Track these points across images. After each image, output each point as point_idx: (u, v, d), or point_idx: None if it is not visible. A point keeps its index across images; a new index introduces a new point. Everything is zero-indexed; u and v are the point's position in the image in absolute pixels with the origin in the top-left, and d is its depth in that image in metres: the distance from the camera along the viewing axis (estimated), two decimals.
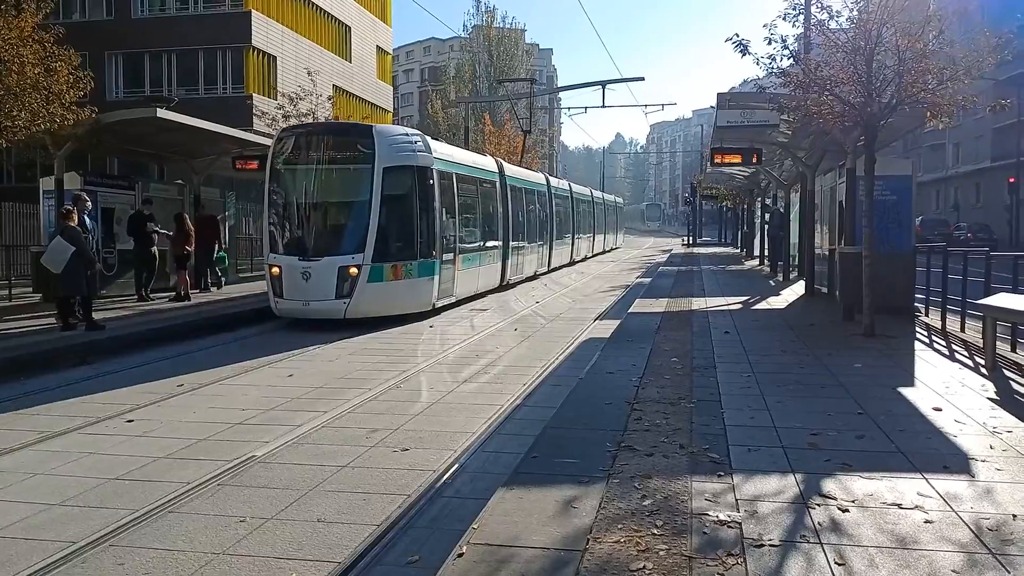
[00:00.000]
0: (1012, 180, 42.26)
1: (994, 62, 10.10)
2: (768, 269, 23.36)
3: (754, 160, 16.53)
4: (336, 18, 41.85)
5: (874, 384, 7.66)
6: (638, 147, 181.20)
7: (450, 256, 15.60)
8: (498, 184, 20.09)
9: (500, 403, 7.96)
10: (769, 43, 11.16)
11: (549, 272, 26.51)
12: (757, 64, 11.23)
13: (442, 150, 16.16)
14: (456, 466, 5.92)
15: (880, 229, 12.42)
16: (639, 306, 14.71)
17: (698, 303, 15.05)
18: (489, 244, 18.88)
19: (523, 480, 4.83)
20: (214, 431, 6.91)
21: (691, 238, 50.03)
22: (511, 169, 22.50)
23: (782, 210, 21.64)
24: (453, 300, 15.97)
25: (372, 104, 45.34)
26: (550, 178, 28.48)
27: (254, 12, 34.44)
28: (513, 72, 67.71)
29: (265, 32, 35.12)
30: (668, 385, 7.58)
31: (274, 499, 5.20)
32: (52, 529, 4.70)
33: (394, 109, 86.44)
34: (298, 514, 4.95)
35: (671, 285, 19.23)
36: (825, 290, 15.56)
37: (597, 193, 41.72)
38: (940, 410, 6.55)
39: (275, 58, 35.71)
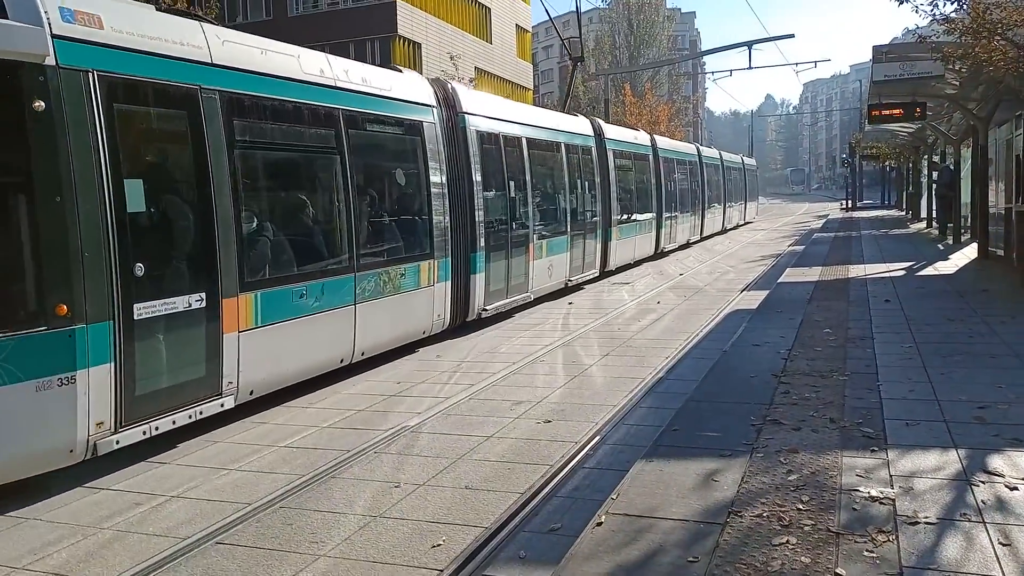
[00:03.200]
0: None
1: None
2: (936, 232, 21.63)
3: (916, 114, 15.38)
4: (476, 1, 42.48)
5: None
6: (791, 108, 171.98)
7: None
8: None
9: (643, 376, 7.94)
10: None
11: (702, 240, 26.51)
12: (916, 12, 10.41)
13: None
14: (597, 438, 6.00)
15: None
16: (790, 275, 14.10)
17: (856, 270, 14.23)
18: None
19: (663, 453, 4.83)
20: (370, 403, 7.35)
21: (850, 202, 46.98)
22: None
23: (951, 167, 19.90)
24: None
25: (513, 83, 45.76)
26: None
27: (399, 2, 35.62)
28: (654, 40, 66.16)
29: (410, 20, 36.24)
30: (819, 357, 7.28)
31: (426, 466, 5.49)
32: (228, 492, 5.22)
33: (535, 86, 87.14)
34: (448, 481, 5.20)
35: (826, 252, 18.26)
36: (1001, 253, 14.25)
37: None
38: None
39: (420, 45, 36.82)
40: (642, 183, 19.76)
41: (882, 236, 23.01)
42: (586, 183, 15.29)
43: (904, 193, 36.56)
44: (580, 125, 15.77)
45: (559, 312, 12.52)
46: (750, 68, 34.40)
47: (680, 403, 6.11)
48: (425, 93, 9.82)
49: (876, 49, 12.70)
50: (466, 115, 10.58)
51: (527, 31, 51.40)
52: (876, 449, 4.71)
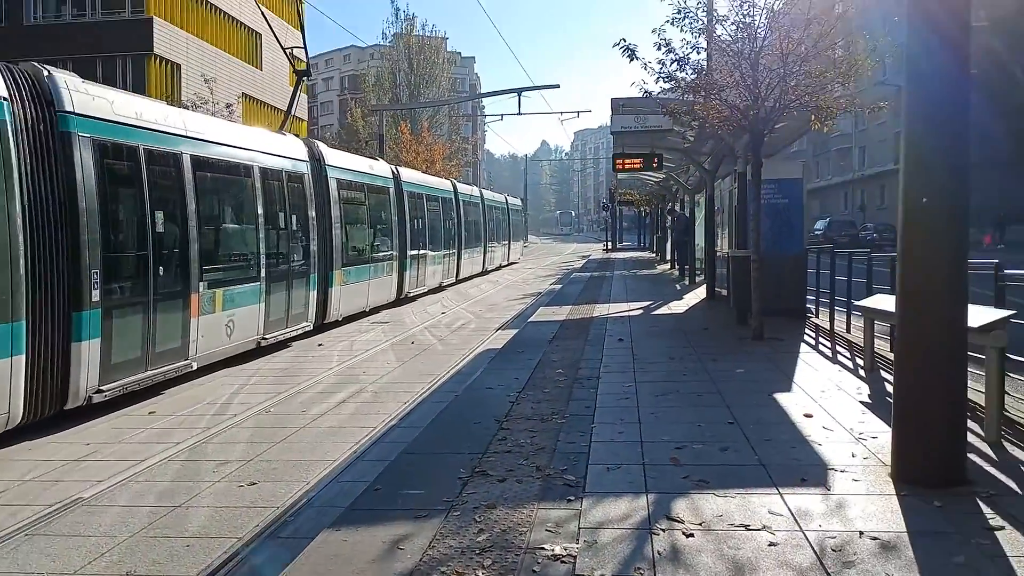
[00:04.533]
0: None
1: (870, 68, 10.22)
2: (677, 273, 23.55)
3: (655, 165, 16.58)
4: (246, 25, 40.65)
5: (752, 390, 7.54)
6: (563, 154, 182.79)
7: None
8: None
9: (373, 425, 7.54)
10: (659, 48, 11.08)
11: (458, 283, 25.45)
12: (645, 69, 11.12)
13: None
14: (304, 501, 5.49)
15: (771, 232, 12.55)
16: (541, 315, 14.49)
17: (601, 309, 14.92)
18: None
19: (355, 519, 4.44)
20: (46, 469, 6.29)
21: (611, 243, 50.45)
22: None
23: (687, 215, 21.82)
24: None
25: (285, 112, 44.23)
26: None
27: (156, 19, 33.11)
28: (435, 80, 67.29)
29: (168, 39, 33.79)
30: (545, 399, 7.30)
31: (87, 549, 4.67)
32: None
33: (313, 117, 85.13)
34: (107, 568, 4.43)
35: (579, 292, 19.10)
36: (726, 293, 15.65)
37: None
38: (811, 416, 6.45)
39: (179, 66, 34.41)
40: (380, 219, 17.71)
41: (631, 276, 24.62)
42: (294, 217, 12.76)
43: (655, 237, 39.72)
44: (287, 146, 12.98)
45: (237, 382, 9.81)
46: (519, 114, 36.17)
47: (396, 455, 5.79)
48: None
49: (614, 101, 13.53)
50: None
51: (302, 60, 50.10)
52: (573, 499, 4.64)
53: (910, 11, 4.80)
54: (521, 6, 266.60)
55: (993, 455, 5.28)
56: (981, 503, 4.40)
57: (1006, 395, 6.24)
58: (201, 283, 9.81)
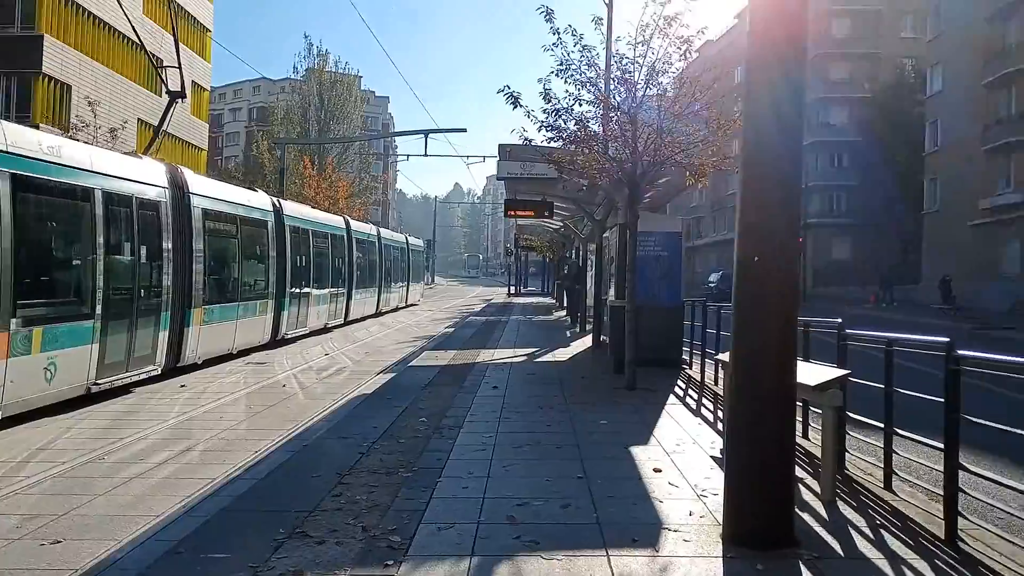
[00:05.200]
0: (800, 240, 46.25)
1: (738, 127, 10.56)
2: (570, 320, 23.72)
3: (545, 214, 16.69)
4: (147, 49, 39.29)
5: (610, 443, 7.46)
6: (475, 198, 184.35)
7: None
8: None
9: (214, 476, 7.02)
10: (544, 97, 11.17)
11: (347, 324, 24.16)
12: (528, 117, 11.19)
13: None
14: (111, 564, 4.98)
15: (651, 283, 12.74)
16: (424, 359, 14.20)
17: (486, 355, 14.75)
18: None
19: None
20: None
21: (514, 288, 50.71)
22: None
23: (579, 263, 22.09)
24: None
25: (185, 142, 42.82)
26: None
27: (47, 36, 31.59)
28: (346, 117, 66.75)
29: (59, 59, 32.25)
30: (398, 451, 7.01)
31: None
32: None
33: (218, 148, 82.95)
34: None
35: (469, 336, 18.93)
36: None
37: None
38: (660, 471, 6.38)
39: (69, 87, 32.84)
40: (256, 254, 16.39)
41: (526, 322, 24.65)
42: (144, 248, 11.61)
43: (556, 284, 40.13)
44: (142, 170, 11.77)
45: (60, 430, 8.69)
46: (425, 155, 36.11)
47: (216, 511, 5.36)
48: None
49: (501, 148, 13.57)
50: None
51: (206, 89, 48.79)
52: (391, 563, 4.35)
53: (746, 81, 4.89)
54: (438, 51, 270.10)
55: (826, 515, 5.30)
56: (803, 567, 4.37)
57: (847, 453, 6.38)
58: (14, 320, 8.58)
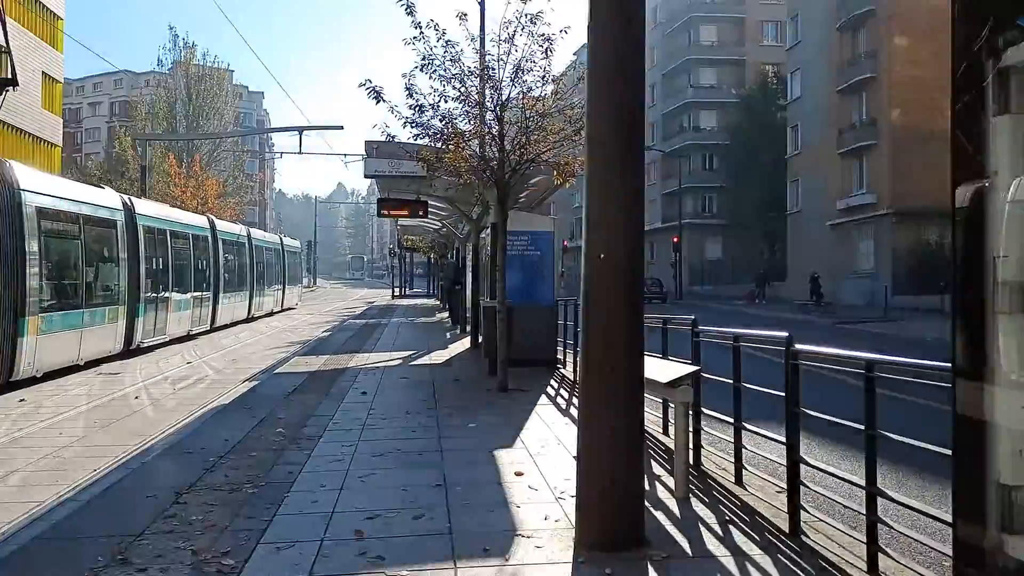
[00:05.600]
0: (676, 240, 48.26)
1: None
2: (451, 322, 23.52)
3: (420, 213, 16.41)
4: None
5: (475, 447, 7.30)
6: (359, 198, 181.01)
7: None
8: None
9: (43, 499, 6.37)
10: (408, 94, 10.88)
11: (214, 331, 22.88)
12: (392, 112, 10.87)
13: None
14: None
15: (524, 283, 12.70)
16: (292, 366, 13.65)
17: (360, 359, 14.32)
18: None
19: None
20: None
21: (398, 289, 50.05)
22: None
23: (457, 264, 21.94)
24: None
25: (35, 137, 39.70)
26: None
27: None
28: (216, 112, 63.87)
29: None
30: (246, 465, 6.58)
31: None
32: None
33: (77, 144, 77.55)
34: None
35: (345, 340, 18.42)
36: None
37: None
38: (522, 475, 6.26)
39: None
40: (103, 256, 15.17)
41: (407, 324, 24.27)
42: None
43: (439, 284, 39.87)
44: None
45: None
46: (300, 153, 34.87)
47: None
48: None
49: (367, 144, 13.17)
50: None
51: (59, 81, 45.35)
52: None
53: (589, 87, 4.84)
54: (313, 47, 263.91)
55: (678, 512, 5.32)
56: (651, 568, 4.32)
57: (703, 449, 6.46)
58: None
